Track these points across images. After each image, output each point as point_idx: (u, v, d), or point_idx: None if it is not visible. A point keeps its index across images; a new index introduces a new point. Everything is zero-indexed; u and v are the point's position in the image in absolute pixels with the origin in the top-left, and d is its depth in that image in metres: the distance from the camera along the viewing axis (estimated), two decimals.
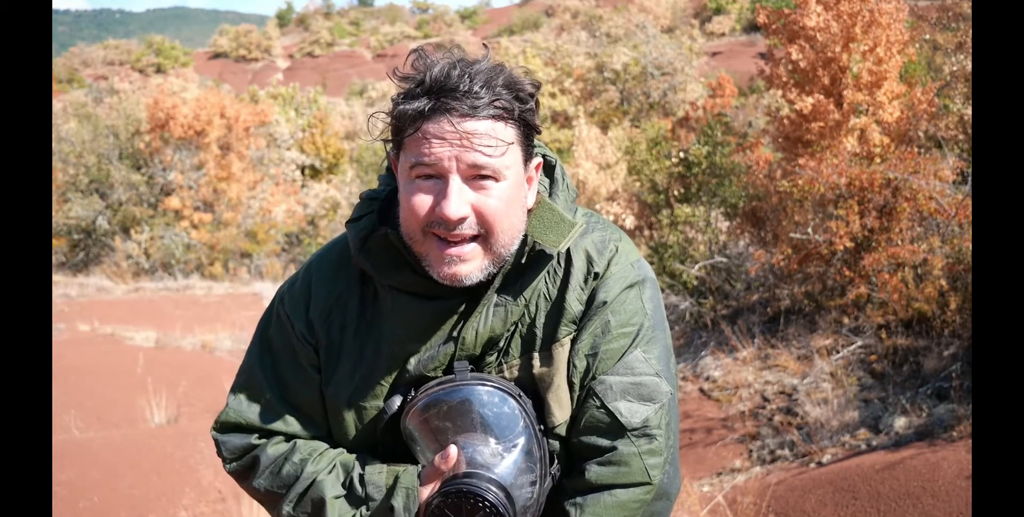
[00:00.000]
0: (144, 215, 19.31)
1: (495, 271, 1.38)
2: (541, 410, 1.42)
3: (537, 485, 1.38)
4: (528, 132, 1.38)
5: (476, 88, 1.29)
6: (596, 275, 1.42)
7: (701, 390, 7.75)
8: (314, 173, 24.83)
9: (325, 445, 1.49)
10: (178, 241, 18.57)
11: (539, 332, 1.42)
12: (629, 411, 1.38)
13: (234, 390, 1.53)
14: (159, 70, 57.87)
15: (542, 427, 1.41)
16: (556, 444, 1.42)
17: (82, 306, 13.45)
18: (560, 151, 18.66)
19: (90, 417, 7.08)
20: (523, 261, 1.40)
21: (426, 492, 1.36)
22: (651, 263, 10.37)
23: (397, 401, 1.42)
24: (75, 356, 8.84)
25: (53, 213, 18.80)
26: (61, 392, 7.29)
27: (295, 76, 54.09)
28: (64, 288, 15.41)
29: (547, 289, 1.43)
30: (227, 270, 18.58)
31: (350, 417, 1.46)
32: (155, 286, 16.57)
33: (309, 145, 24.74)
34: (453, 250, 1.33)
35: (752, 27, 38.91)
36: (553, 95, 23.49)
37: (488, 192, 1.32)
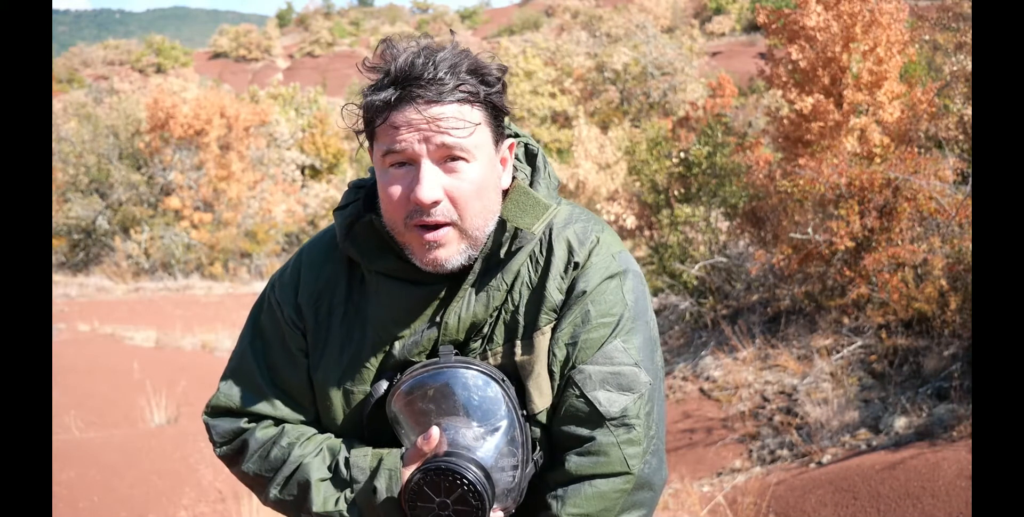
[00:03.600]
0: (144, 215, 19.31)
1: (476, 254, 1.40)
2: (524, 397, 1.43)
3: (519, 470, 1.39)
4: (497, 114, 1.39)
5: (440, 75, 1.31)
6: (576, 265, 1.44)
7: (701, 390, 7.75)
8: (314, 173, 24.86)
9: (313, 430, 1.51)
10: (178, 241, 18.58)
11: (521, 320, 1.44)
12: (608, 400, 1.39)
13: (225, 375, 1.55)
14: (159, 70, 57.86)
15: (525, 413, 1.42)
16: (538, 431, 1.44)
17: (82, 306, 13.46)
18: (560, 151, 18.67)
19: (90, 417, 7.08)
20: (503, 246, 1.42)
21: (408, 473, 1.37)
22: (651, 263, 10.38)
23: (383, 385, 1.44)
24: (75, 356, 8.84)
25: (53, 213, 18.79)
26: (61, 392, 7.29)
27: (295, 76, 54.08)
28: (64, 288, 15.42)
29: (529, 277, 1.45)
30: (227, 270, 18.60)
31: (338, 401, 1.47)
32: (155, 286, 16.58)
33: (309, 145, 24.77)
34: (430, 235, 1.35)
35: (752, 27, 38.92)
36: (553, 95, 23.51)
37: (460, 175, 1.34)
